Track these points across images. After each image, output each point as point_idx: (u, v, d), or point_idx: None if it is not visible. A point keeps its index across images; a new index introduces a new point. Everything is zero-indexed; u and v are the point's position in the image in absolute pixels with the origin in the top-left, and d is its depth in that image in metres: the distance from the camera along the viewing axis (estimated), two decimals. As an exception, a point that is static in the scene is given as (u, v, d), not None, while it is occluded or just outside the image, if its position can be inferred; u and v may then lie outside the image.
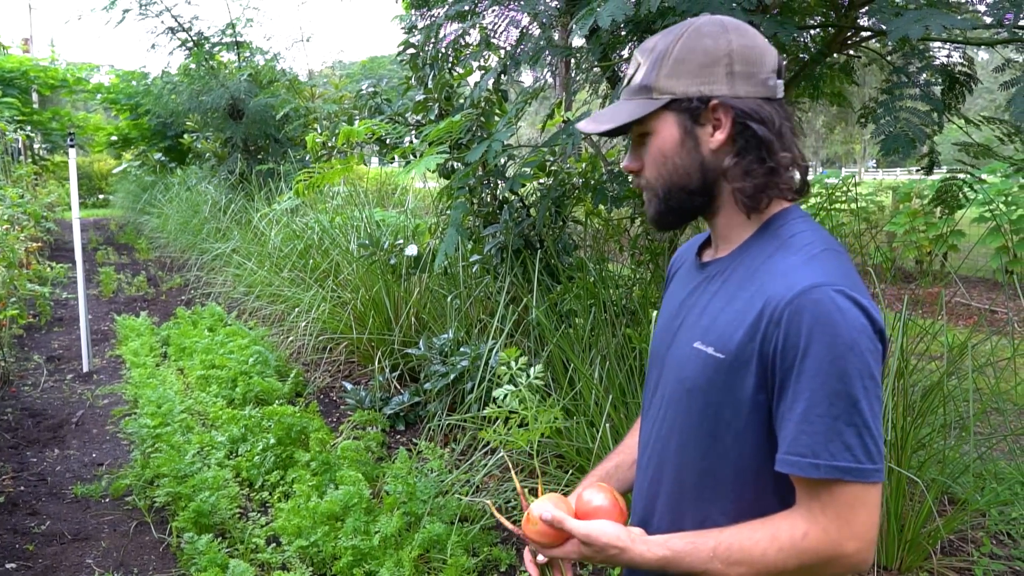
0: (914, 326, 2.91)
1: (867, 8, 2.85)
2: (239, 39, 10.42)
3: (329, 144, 4.17)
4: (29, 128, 14.06)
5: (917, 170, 3.74)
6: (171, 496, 3.16)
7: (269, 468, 3.45)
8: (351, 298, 4.89)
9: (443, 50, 3.82)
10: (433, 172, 3.22)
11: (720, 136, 1.02)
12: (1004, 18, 2.40)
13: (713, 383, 1.01)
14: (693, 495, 1.06)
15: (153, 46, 11.50)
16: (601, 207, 3.53)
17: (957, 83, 3.14)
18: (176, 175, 13.00)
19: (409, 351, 4.18)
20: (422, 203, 7.60)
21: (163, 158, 13.68)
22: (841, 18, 3.02)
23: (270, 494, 3.32)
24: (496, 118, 3.67)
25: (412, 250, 4.25)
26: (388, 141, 4.03)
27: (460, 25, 3.51)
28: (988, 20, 2.54)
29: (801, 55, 3.30)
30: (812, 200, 5.32)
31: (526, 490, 1.35)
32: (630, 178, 2.37)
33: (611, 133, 1.09)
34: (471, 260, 4.06)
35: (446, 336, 3.92)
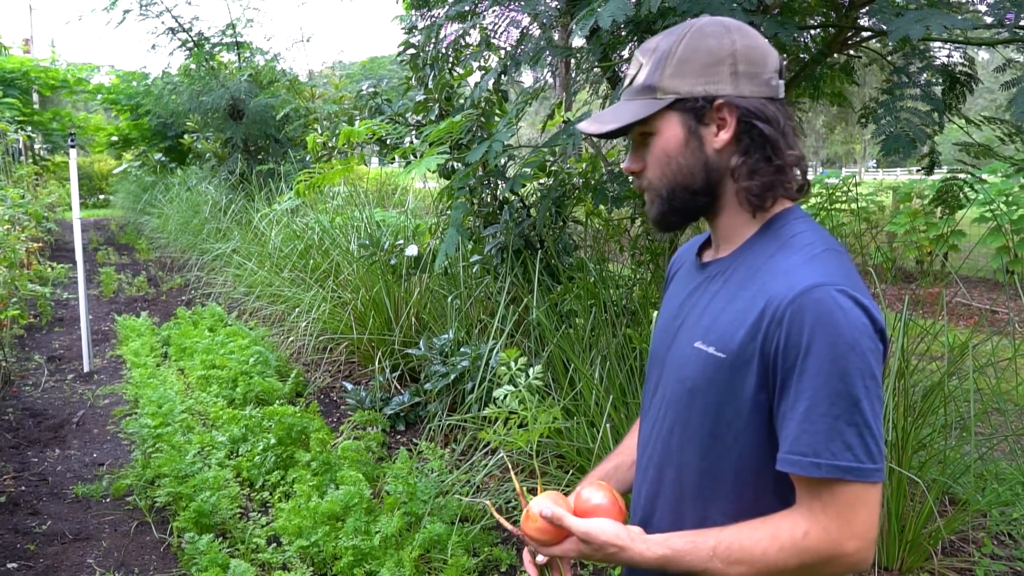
0: (915, 326, 2.91)
1: (867, 8, 2.85)
2: (239, 39, 10.43)
3: (329, 144, 4.17)
4: (30, 128, 14.07)
5: (918, 170, 3.74)
6: (172, 496, 3.17)
7: (270, 468, 3.45)
8: (351, 298, 4.89)
9: (443, 50, 3.82)
10: (433, 172, 3.22)
11: (725, 136, 1.02)
12: (1005, 18, 2.40)
13: (714, 383, 1.01)
14: (693, 495, 1.06)
15: (153, 46, 11.48)
16: (601, 207, 3.53)
17: (958, 83, 3.14)
18: (176, 175, 13.01)
19: (409, 351, 4.18)
20: (422, 203, 7.60)
21: (163, 158, 13.69)
22: (841, 18, 3.03)
23: (271, 494, 3.32)
24: (496, 118, 3.67)
25: (412, 250, 4.25)
26: (388, 141, 4.03)
27: (460, 25, 3.51)
28: (989, 20, 2.54)
29: (801, 55, 3.30)
30: (812, 200, 5.32)
31: (525, 490, 1.34)
32: (631, 179, 2.37)
33: (614, 134, 1.08)
34: (471, 260, 4.06)
35: (446, 336, 3.92)
